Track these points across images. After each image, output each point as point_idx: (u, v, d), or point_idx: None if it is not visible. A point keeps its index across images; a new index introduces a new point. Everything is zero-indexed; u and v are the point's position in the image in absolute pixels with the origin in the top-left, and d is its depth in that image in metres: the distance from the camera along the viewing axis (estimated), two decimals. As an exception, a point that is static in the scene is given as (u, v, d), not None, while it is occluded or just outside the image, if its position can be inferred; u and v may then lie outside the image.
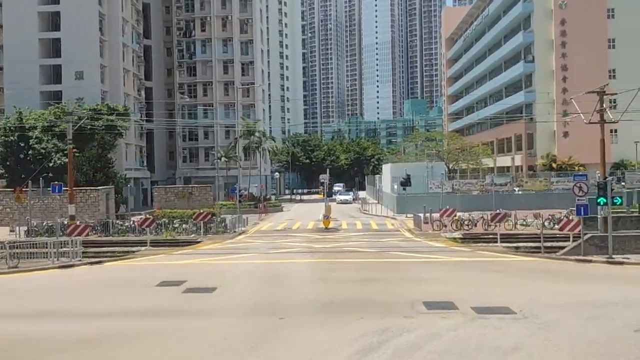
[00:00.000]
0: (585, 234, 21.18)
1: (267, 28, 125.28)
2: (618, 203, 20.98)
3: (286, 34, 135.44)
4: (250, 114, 68.14)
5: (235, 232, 32.47)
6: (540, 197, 43.34)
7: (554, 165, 57.19)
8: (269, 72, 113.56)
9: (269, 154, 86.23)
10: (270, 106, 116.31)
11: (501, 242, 25.63)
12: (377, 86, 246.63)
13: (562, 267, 18.37)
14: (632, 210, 29.96)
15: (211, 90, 68.71)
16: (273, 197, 60.56)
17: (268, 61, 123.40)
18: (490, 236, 27.43)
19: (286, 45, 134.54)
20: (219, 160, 53.11)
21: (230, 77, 67.80)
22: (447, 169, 55.85)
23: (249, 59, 69.31)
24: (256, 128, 57.90)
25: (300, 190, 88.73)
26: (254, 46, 69.34)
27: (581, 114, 26.16)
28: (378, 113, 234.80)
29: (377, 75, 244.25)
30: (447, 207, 32.08)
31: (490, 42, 73.35)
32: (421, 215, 33.14)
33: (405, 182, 40.37)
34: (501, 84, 68.42)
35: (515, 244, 25.33)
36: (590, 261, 19.54)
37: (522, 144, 62.27)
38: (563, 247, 22.71)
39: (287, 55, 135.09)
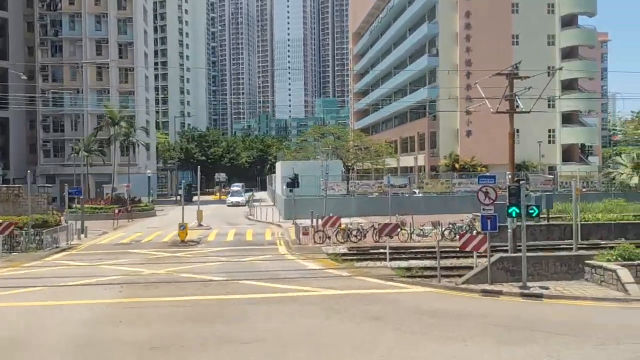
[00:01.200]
0: (493, 253, 16.16)
1: (164, 13, 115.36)
2: (534, 214, 16.10)
3: (186, 21, 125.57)
4: (129, 102, 59.23)
5: (57, 247, 24.67)
6: (441, 199, 39.24)
7: (456, 165, 54.02)
8: (165, 60, 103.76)
9: (156, 150, 77.28)
10: (160, 97, 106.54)
11: (392, 259, 20.17)
12: (289, 83, 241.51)
13: (462, 309, 12.94)
14: (542, 217, 25.98)
15: (80, 73, 58.93)
16: (147, 200, 52.16)
17: (164, 49, 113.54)
18: (381, 250, 22.01)
19: (186, 33, 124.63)
20: (76, 155, 44.08)
21: (103, 59, 58.35)
22: (344, 169, 50.87)
23: (128, 39, 60.29)
24: (121, 116, 49.26)
25: (194, 192, 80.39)
26: (133, 25, 60.39)
27: (486, 101, 21.48)
28: (290, 111, 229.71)
29: (289, 72, 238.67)
30: (331, 214, 26.38)
31: (395, 35, 69.64)
32: (303, 223, 27.24)
33: (292, 183, 34.31)
34: (406, 79, 64.69)
35: (408, 262, 19.98)
36: (500, 293, 14.40)
37: (425, 143, 58.79)
38: (466, 268, 17.63)
39: (187, 44, 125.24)
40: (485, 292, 14.51)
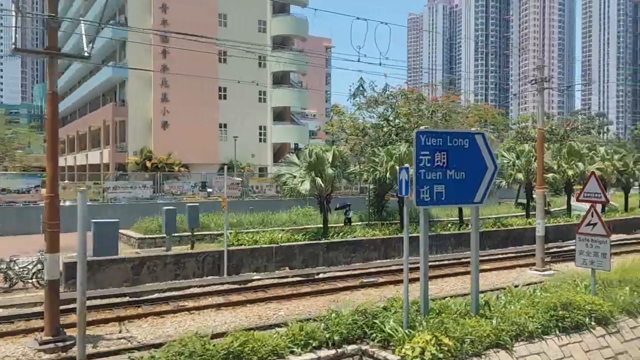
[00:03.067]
0: None
1: None
2: None
3: None
4: None
5: None
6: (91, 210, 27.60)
7: (148, 164, 43.18)
8: None
9: None
10: None
11: None
12: (1, 64, 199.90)
13: None
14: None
15: None
16: None
17: None
18: None
19: None
20: None
21: None
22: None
23: None
24: None
25: None
26: None
27: None
28: (1, 96, 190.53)
29: (1, 51, 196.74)
30: None
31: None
32: None
33: None
34: (93, 56, 51.25)
35: None
36: None
37: (110, 137, 46.41)
38: None
39: None
40: None
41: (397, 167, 22.43)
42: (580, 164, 28.29)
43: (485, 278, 17.61)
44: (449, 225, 24.34)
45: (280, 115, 52.66)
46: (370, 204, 27.33)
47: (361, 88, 27.75)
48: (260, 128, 51.23)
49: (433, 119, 30.01)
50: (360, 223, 25.00)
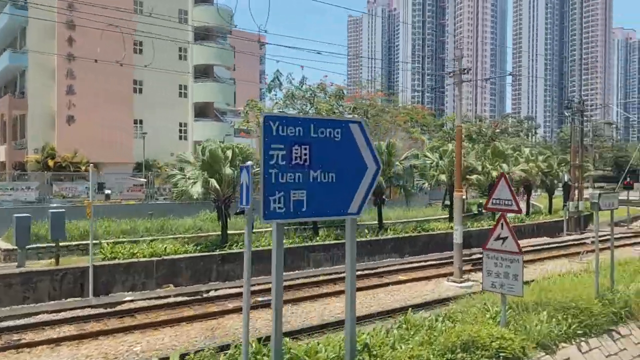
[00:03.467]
0: None
1: None
2: None
3: None
4: None
5: None
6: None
7: (51, 162, 38.93)
8: None
9: None
10: None
11: None
12: None
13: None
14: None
15: None
16: None
17: None
18: None
19: None
20: None
21: None
22: None
23: None
24: None
25: None
26: None
27: None
28: None
29: None
30: None
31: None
32: None
33: None
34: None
35: None
36: None
37: (7, 132, 41.64)
38: None
39: None
40: None
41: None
42: (504, 165, 27.31)
43: (397, 292, 15.74)
44: (366, 230, 22.45)
45: (203, 111, 49.47)
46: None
47: (277, 81, 25.44)
48: (180, 125, 47.81)
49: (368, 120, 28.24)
50: (289, 227, 22.66)
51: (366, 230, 22.34)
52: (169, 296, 14.89)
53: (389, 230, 22.29)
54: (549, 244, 25.19)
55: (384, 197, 22.47)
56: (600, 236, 22.19)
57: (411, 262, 20.49)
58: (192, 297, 14.77)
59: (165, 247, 16.05)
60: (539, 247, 23.94)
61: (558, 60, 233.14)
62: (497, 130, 77.00)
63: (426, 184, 26.06)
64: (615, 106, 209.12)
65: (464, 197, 37.90)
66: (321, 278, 17.12)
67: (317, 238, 20.08)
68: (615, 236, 29.68)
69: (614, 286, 10.29)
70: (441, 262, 20.16)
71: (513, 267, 7.85)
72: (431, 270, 18.80)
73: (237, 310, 13.50)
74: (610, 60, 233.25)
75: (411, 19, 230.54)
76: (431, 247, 22.60)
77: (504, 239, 7.97)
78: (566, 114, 31.73)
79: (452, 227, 24.72)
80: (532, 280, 13.95)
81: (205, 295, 15.13)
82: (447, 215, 28.17)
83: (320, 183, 6.27)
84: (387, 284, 16.58)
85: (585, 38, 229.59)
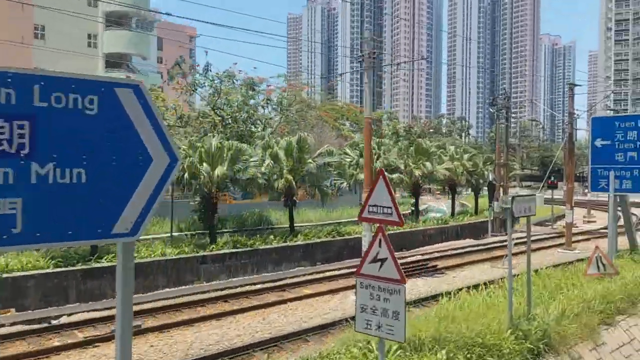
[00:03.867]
0: None
1: None
2: None
3: None
4: None
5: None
6: None
7: None
8: None
9: None
10: None
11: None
12: None
13: None
14: None
15: None
16: None
17: None
18: None
19: None
20: None
21: None
22: None
23: None
24: None
25: None
26: None
27: None
28: None
29: None
30: None
31: None
32: None
33: None
34: None
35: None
36: None
37: None
38: None
39: None
40: None
41: (205, 165, 17.68)
42: (428, 163, 25.73)
43: (294, 311, 13.41)
44: (272, 236, 20.04)
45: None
46: (197, 210, 22.26)
47: (179, 68, 22.55)
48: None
49: (285, 113, 25.83)
50: (182, 233, 19.92)
51: (272, 237, 19.93)
52: (3, 325, 11.85)
53: (299, 236, 20.00)
54: (472, 246, 23.80)
55: (294, 198, 20.17)
56: (521, 238, 19.84)
57: (323, 271, 18.29)
58: (38, 326, 11.82)
59: (7, 263, 12.93)
60: (461, 251, 22.47)
61: (490, 64, 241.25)
62: (431, 130, 76.99)
63: (344, 184, 24.02)
64: (542, 104, 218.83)
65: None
66: (209, 296, 14.56)
67: (213, 246, 17.47)
68: (540, 237, 29.03)
69: (532, 310, 8.40)
70: (353, 270, 18.03)
71: (393, 301, 5.63)
72: (340, 281, 16.66)
73: (90, 342, 10.77)
74: (538, 65, 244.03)
75: (349, 18, 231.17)
76: (347, 253, 20.54)
77: (382, 260, 5.75)
78: (491, 110, 30.70)
79: (371, 230, 22.87)
80: (440, 294, 12.09)
81: (53, 322, 12.21)
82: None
83: (55, 185, 3.72)
84: (285, 301, 14.26)
85: (515, 43, 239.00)
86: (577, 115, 25.47)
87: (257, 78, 29.06)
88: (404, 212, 31.28)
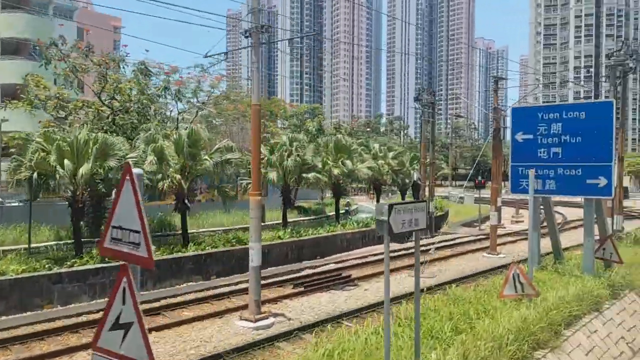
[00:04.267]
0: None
1: None
2: None
3: None
4: None
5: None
6: None
7: None
8: None
9: None
10: None
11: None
12: None
13: None
14: None
15: None
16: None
17: None
18: None
19: None
20: None
21: None
22: None
23: None
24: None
25: None
26: None
27: None
28: None
29: None
30: None
31: None
32: None
33: None
34: None
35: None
36: None
37: None
38: None
39: None
40: None
41: (67, 162, 14.55)
42: (348, 161, 23.54)
43: (156, 344, 10.55)
44: (172, 246, 17.11)
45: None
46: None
47: (56, 49, 19.14)
48: None
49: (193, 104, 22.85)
50: (46, 244, 16.64)
51: (172, 246, 16.98)
52: None
53: (190, 246, 17.18)
54: (392, 251, 21.80)
55: (185, 201, 17.35)
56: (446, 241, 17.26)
57: (214, 288, 15.62)
58: None
59: None
60: (380, 257, 20.41)
61: (428, 65, 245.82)
62: (368, 129, 75.51)
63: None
64: (477, 104, 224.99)
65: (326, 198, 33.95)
66: (56, 325, 11.55)
67: (76, 260, 14.39)
68: (465, 240, 27.54)
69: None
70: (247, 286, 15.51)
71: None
72: (226, 301, 14.06)
73: None
74: (473, 69, 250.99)
75: (289, 15, 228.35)
76: (247, 264, 17.90)
77: (126, 327, 3.22)
78: (416, 106, 29.04)
79: (279, 236, 20.39)
80: (328, 322, 9.76)
81: None
82: (281, 221, 23.89)
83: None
84: (151, 330, 11.48)
85: (452, 45, 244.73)
86: (504, 111, 24.09)
87: (171, 67, 26.02)
88: (331, 213, 29.02)
